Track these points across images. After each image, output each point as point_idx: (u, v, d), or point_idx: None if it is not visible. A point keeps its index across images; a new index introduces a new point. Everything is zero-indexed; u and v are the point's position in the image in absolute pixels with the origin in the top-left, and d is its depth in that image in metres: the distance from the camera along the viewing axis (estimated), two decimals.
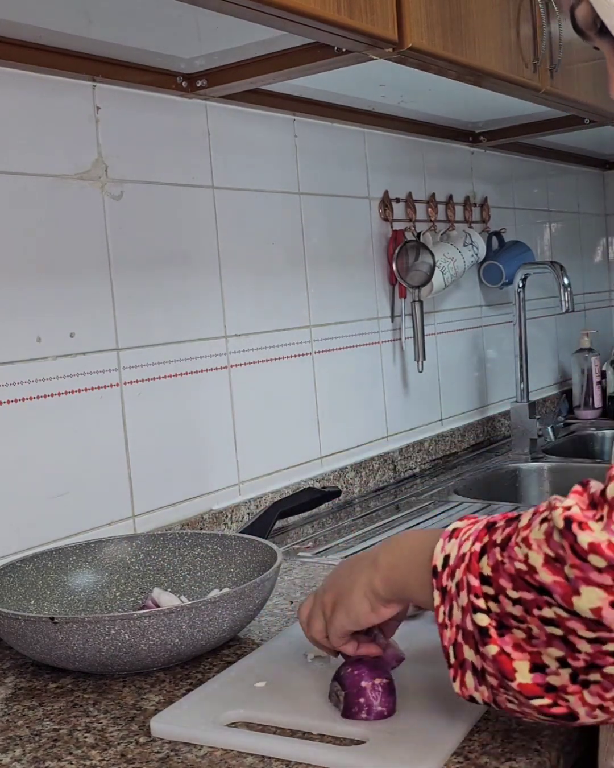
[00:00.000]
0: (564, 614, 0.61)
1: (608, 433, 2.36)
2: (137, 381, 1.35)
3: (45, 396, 1.22)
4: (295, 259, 1.66)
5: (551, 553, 0.61)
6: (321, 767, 0.75)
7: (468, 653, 0.68)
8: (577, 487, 0.64)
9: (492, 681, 0.67)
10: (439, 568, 0.70)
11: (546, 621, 0.62)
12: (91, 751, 0.81)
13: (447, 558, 0.70)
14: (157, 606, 1.04)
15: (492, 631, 0.65)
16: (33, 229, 1.21)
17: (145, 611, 0.90)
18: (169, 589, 1.13)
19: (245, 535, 1.15)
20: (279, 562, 1.03)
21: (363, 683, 0.81)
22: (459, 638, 0.69)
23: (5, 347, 1.17)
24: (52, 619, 0.89)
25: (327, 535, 1.50)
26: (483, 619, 0.66)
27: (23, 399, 1.19)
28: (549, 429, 2.18)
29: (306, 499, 1.44)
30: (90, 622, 0.89)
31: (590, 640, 0.61)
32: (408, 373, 1.97)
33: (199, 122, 1.46)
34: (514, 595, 0.64)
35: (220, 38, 1.22)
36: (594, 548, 0.59)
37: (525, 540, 0.63)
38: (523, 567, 0.63)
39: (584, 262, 2.86)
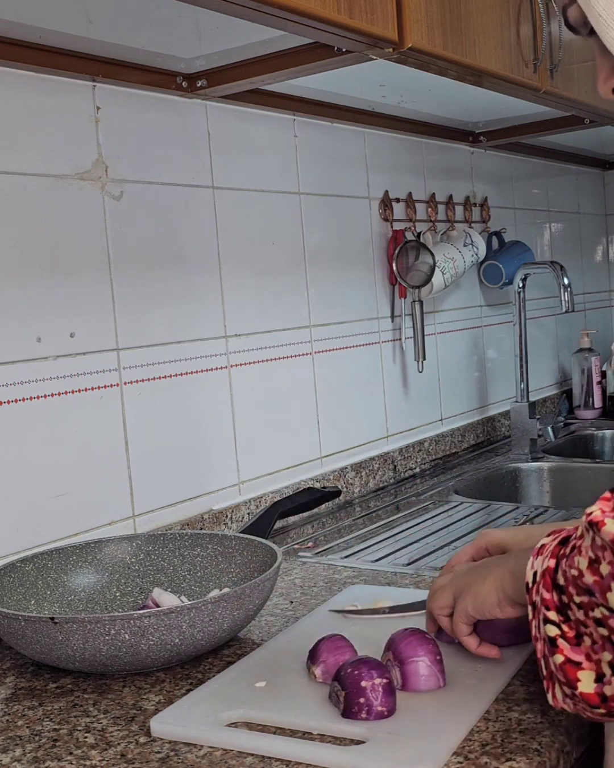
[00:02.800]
0: (606, 613, 0.65)
1: (608, 433, 2.36)
2: (137, 381, 1.35)
3: (45, 396, 1.22)
4: (295, 259, 1.66)
5: (592, 555, 0.66)
6: (321, 767, 0.75)
7: (551, 665, 0.71)
8: (606, 494, 0.67)
9: (567, 690, 0.70)
10: (530, 585, 0.74)
11: (597, 622, 0.66)
12: (91, 751, 0.81)
13: (535, 574, 0.74)
14: (158, 606, 1.03)
15: (559, 641, 0.69)
16: (33, 229, 1.21)
17: (145, 611, 0.90)
18: (169, 589, 1.13)
19: (245, 535, 1.15)
20: (279, 562, 1.03)
21: (364, 683, 0.81)
22: (546, 651, 0.71)
23: (5, 347, 1.17)
24: (52, 619, 0.89)
25: (327, 535, 1.50)
26: (552, 630, 0.70)
27: (23, 399, 1.19)
28: (549, 429, 2.17)
29: (306, 499, 1.44)
30: (90, 622, 0.89)
31: None
32: (408, 373, 1.97)
33: (199, 122, 1.46)
34: (577, 600, 0.68)
35: (220, 38, 1.22)
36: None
37: (578, 548, 0.68)
38: (576, 572, 0.67)
39: (584, 262, 2.86)
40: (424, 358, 1.90)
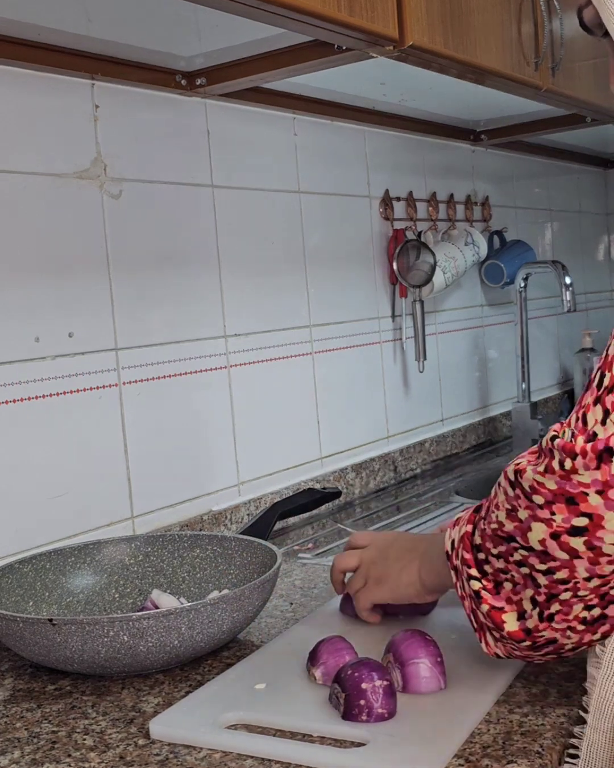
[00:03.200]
0: (526, 552, 0.74)
1: None
2: (136, 381, 1.34)
3: (44, 396, 1.21)
4: (295, 258, 1.66)
5: (509, 506, 0.75)
6: None
7: (480, 616, 0.80)
8: (532, 448, 0.77)
9: (496, 634, 0.79)
10: (449, 552, 0.84)
11: (518, 564, 0.75)
12: (89, 754, 0.80)
13: (452, 542, 0.83)
14: (157, 607, 1.03)
15: (483, 593, 0.78)
16: (31, 228, 1.21)
17: (144, 613, 0.90)
18: (169, 591, 1.13)
19: (245, 537, 1.15)
20: (278, 563, 1.02)
21: (364, 685, 0.80)
22: (472, 605, 0.81)
23: (4, 347, 1.17)
24: (50, 620, 0.89)
25: (327, 537, 1.50)
26: (476, 585, 0.79)
27: (22, 399, 1.19)
28: None
29: (306, 500, 1.43)
30: (89, 623, 0.88)
31: (544, 572, 0.73)
32: (408, 373, 1.96)
33: (199, 121, 1.46)
34: (495, 551, 0.77)
35: (219, 36, 1.21)
36: (534, 488, 0.72)
37: (495, 505, 0.78)
38: (495, 525, 0.77)
39: (586, 261, 2.85)
40: (425, 358, 1.89)
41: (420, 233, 1.93)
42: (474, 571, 0.79)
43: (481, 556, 0.79)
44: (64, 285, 1.24)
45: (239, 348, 1.52)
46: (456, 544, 0.83)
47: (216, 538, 1.16)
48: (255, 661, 0.95)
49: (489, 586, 0.78)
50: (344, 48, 1.20)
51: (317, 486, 1.64)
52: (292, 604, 1.16)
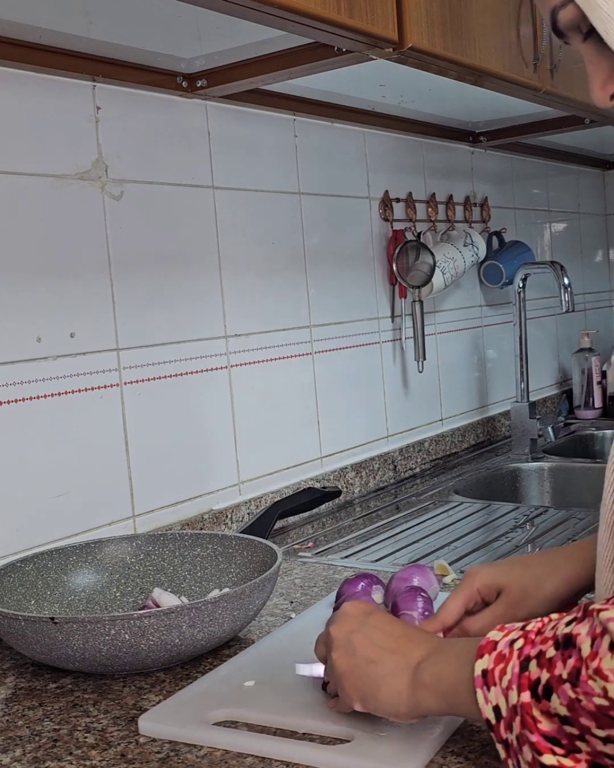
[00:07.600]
0: None
1: (608, 433, 2.36)
2: (137, 381, 1.35)
3: (45, 396, 1.22)
4: (295, 259, 1.66)
5: None
6: (307, 766, 0.75)
7: None
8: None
9: None
10: (493, 721, 0.65)
11: None
12: (91, 751, 0.81)
13: (497, 709, 0.64)
14: (158, 606, 1.03)
15: None
16: (33, 229, 1.21)
17: (145, 611, 0.90)
18: (170, 590, 1.13)
19: (245, 535, 1.15)
20: (279, 562, 1.03)
21: None
22: None
23: (5, 347, 1.17)
24: (52, 619, 0.89)
25: (327, 536, 1.50)
26: None
27: (23, 399, 1.19)
28: (550, 429, 2.17)
29: (306, 499, 1.44)
30: (90, 622, 0.89)
31: None
32: (408, 373, 1.97)
33: (199, 122, 1.46)
34: (601, 733, 0.58)
35: (220, 38, 1.22)
36: None
37: (599, 672, 0.57)
38: (605, 702, 0.57)
39: (584, 262, 2.86)
40: (424, 358, 1.90)
41: (419, 234, 1.94)
42: (551, 760, 0.60)
43: (573, 730, 0.59)
44: (65, 285, 1.25)
45: (240, 348, 1.53)
46: (504, 713, 0.64)
47: (217, 536, 1.17)
48: (246, 659, 0.96)
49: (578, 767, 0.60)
50: (344, 50, 1.21)
51: (317, 485, 1.64)
52: (291, 602, 1.16)
